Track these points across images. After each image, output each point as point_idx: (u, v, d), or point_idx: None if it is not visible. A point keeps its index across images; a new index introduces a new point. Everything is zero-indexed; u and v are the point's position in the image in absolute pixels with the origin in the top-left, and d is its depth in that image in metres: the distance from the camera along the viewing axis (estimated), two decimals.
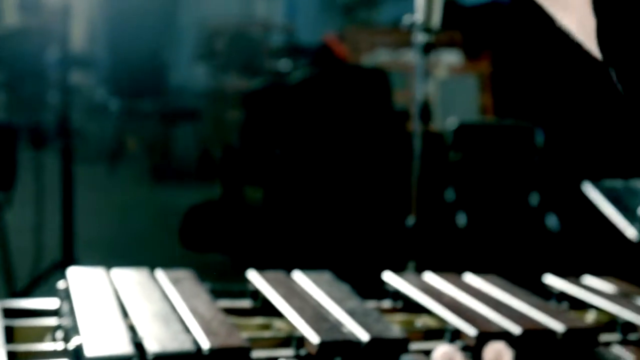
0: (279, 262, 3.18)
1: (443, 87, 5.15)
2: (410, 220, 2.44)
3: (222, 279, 1.88)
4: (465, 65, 5.53)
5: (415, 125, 2.23)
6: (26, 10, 8.65)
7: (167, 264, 1.88)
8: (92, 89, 9.81)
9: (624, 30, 0.95)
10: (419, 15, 2.30)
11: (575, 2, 0.99)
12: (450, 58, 5.53)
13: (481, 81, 5.24)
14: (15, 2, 9.83)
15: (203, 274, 1.81)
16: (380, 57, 5.86)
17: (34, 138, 5.76)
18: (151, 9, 9.80)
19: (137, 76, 7.66)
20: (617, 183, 2.05)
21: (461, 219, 4.13)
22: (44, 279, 4.34)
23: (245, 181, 5.88)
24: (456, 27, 6.10)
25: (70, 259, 4.47)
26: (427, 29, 2.24)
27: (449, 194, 4.30)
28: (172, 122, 7.78)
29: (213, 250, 5.49)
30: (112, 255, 5.30)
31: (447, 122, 4.67)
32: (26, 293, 4.29)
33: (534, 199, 4.22)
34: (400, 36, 5.67)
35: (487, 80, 5.25)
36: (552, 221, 4.13)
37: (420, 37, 2.22)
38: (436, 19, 2.27)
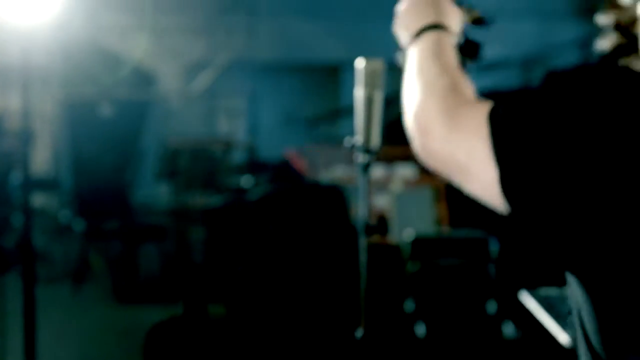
0: None
1: (399, 200, 5.26)
2: (359, 332, 2.47)
3: None
4: (421, 178, 5.66)
5: (360, 240, 2.32)
6: None
7: None
8: (55, 210, 9.78)
9: (525, 182, 1.02)
10: (358, 137, 2.40)
11: (478, 171, 1.07)
12: (405, 171, 5.68)
13: (436, 193, 5.36)
14: None
15: None
16: (338, 172, 6.01)
17: None
18: (113, 129, 9.95)
19: (100, 196, 7.73)
20: (551, 291, 2.12)
21: (420, 329, 4.18)
22: None
23: (208, 298, 5.85)
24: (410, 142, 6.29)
25: None
26: (367, 149, 2.33)
27: (408, 305, 4.37)
28: (136, 241, 7.71)
29: None
30: None
31: (404, 234, 4.77)
32: None
33: (491, 307, 4.29)
34: None
35: (442, 191, 5.37)
36: (509, 329, 4.19)
37: (361, 158, 2.31)
38: (375, 140, 2.36)
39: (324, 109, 11.35)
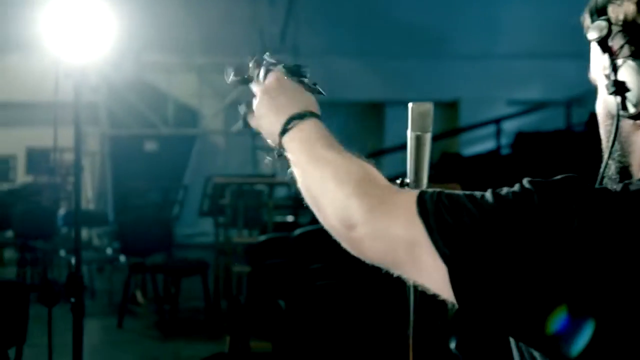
0: None
1: None
2: None
3: None
4: None
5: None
6: (36, 169, 8.99)
7: None
8: (100, 244, 10.15)
9: (474, 276, 0.98)
10: (409, 177, 2.43)
11: (428, 266, 1.01)
12: None
13: None
14: (24, 163, 10.07)
15: None
16: None
17: (45, 295, 6.00)
18: (158, 164, 10.15)
19: (144, 231, 7.81)
20: None
21: None
22: None
23: (253, 334, 5.85)
24: (456, 179, 6.26)
25: None
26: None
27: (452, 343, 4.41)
28: (180, 275, 7.73)
29: None
30: None
31: None
32: None
33: None
34: None
35: None
36: None
37: None
38: (424, 180, 2.38)
39: (368, 146, 11.47)
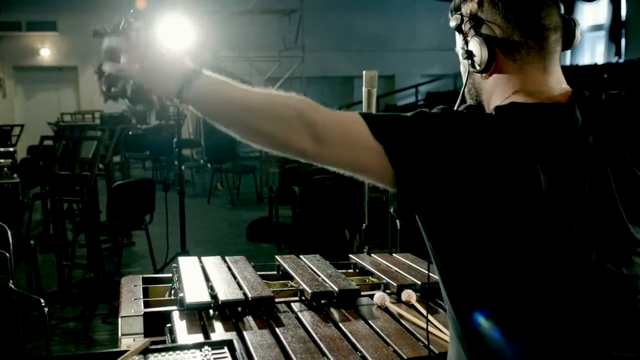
0: (293, 251, 4.46)
1: None
2: (364, 226, 3.08)
3: (257, 260, 2.57)
4: None
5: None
6: (160, 116, 11.26)
7: (236, 253, 2.74)
8: (196, 157, 12.65)
9: (416, 175, 1.18)
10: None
11: (375, 170, 1.21)
12: None
13: None
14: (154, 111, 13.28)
15: (251, 258, 2.52)
16: None
17: (164, 186, 6.16)
18: None
19: (220, 150, 9.93)
20: None
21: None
22: (170, 263, 5.14)
23: (279, 203, 7.10)
24: None
25: (185, 251, 5.64)
26: None
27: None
28: (241, 173, 10.11)
29: (261, 241, 7.10)
30: (206, 248, 6.76)
31: None
32: (160, 271, 5.50)
33: None
34: None
35: None
36: None
37: None
38: None
39: (344, 101, 15.94)
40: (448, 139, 1.18)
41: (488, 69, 1.32)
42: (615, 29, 11.18)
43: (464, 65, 1.38)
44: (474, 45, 1.32)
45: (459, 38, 1.37)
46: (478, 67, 1.32)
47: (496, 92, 1.34)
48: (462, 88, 1.40)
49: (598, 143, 1.25)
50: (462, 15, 1.34)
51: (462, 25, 1.34)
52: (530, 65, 1.31)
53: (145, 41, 1.24)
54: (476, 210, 1.17)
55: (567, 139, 1.23)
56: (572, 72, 9.06)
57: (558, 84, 1.33)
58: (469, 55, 1.33)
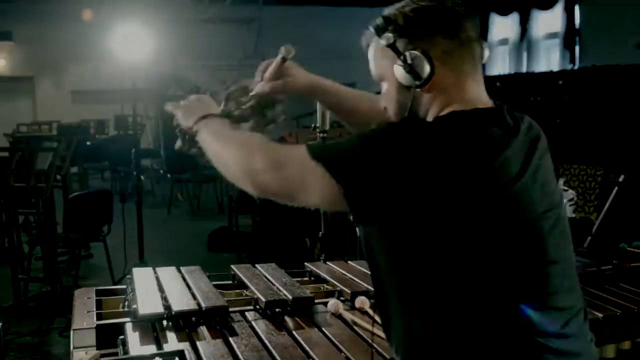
0: (253, 260, 2.98)
1: None
2: (320, 234, 3.22)
3: (217, 270, 2.57)
4: None
5: None
6: (118, 125, 11.54)
7: (196, 263, 2.62)
8: (156, 168, 12.41)
9: (366, 192, 1.20)
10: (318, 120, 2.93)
11: (319, 188, 1.24)
12: None
13: None
14: (113, 123, 12.83)
15: (206, 268, 2.51)
16: None
17: (122, 197, 6.43)
18: None
19: (180, 159, 9.76)
20: None
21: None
22: (125, 275, 4.20)
23: (239, 213, 7.12)
24: None
25: (143, 262, 5.92)
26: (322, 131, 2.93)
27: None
28: (202, 183, 10.14)
29: (221, 251, 7.14)
30: (166, 258, 6.19)
31: None
32: (118, 283, 5.23)
33: None
34: None
35: None
36: None
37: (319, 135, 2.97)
38: (327, 124, 2.93)
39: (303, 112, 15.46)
40: (391, 147, 1.21)
41: (428, 81, 1.34)
42: (569, 37, 11.42)
43: (398, 83, 1.39)
44: (415, 59, 1.34)
45: (386, 57, 1.39)
46: (419, 82, 1.34)
47: (434, 105, 1.37)
48: (397, 107, 1.42)
49: (528, 141, 1.34)
50: (393, 32, 1.36)
51: (396, 43, 1.36)
52: (466, 75, 1.36)
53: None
54: (428, 213, 1.21)
55: (508, 137, 1.28)
56: (528, 79, 9.19)
57: (484, 93, 1.39)
58: (411, 70, 1.34)
